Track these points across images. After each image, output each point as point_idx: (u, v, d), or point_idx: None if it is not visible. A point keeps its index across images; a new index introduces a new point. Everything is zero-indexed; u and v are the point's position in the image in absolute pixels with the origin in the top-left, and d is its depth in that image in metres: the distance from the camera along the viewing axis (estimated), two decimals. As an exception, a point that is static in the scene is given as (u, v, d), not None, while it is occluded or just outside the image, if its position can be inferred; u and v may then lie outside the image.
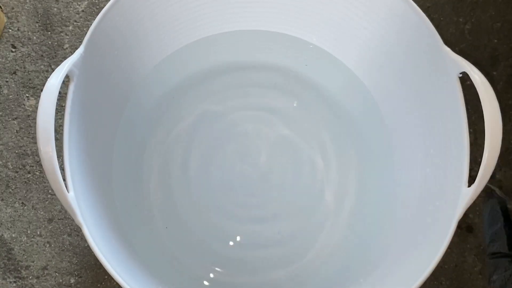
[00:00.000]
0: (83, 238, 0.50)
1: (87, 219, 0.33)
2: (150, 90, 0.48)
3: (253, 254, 0.47)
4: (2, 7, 0.54)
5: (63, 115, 0.34)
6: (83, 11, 0.55)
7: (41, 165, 0.51)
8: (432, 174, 0.39)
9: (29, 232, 0.50)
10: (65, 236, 0.50)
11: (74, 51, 0.35)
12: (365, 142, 0.49)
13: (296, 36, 0.48)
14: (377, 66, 0.44)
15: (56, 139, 0.30)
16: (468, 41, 0.54)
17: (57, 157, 0.30)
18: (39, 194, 0.51)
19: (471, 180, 0.32)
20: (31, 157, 0.51)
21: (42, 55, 0.54)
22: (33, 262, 0.49)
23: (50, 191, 0.51)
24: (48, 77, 0.34)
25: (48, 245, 0.50)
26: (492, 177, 0.51)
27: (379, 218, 0.44)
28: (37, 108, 0.52)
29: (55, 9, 0.55)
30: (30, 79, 0.53)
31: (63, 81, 0.32)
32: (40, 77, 0.53)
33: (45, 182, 0.51)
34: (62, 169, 0.32)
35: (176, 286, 0.43)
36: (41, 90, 0.45)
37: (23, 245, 0.50)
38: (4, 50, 0.54)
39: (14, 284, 0.49)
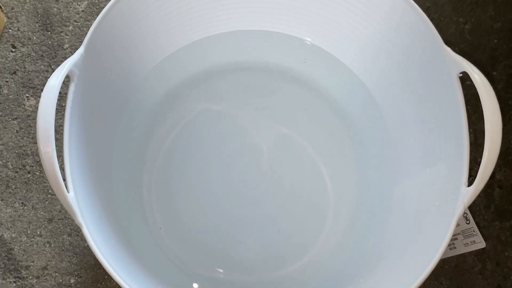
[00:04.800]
0: (83, 238, 0.50)
1: (87, 219, 0.33)
2: (150, 90, 0.48)
3: (253, 254, 0.48)
4: (2, 7, 0.54)
5: (63, 115, 0.34)
6: (83, 11, 0.55)
7: (41, 165, 0.51)
8: (432, 174, 0.39)
9: (29, 232, 0.50)
10: (65, 236, 0.50)
11: (74, 51, 0.35)
12: (365, 141, 0.49)
13: (295, 36, 0.48)
14: (377, 65, 0.44)
15: (56, 139, 0.30)
16: (468, 41, 0.54)
17: (57, 157, 0.30)
18: (39, 194, 0.51)
19: (471, 180, 0.32)
20: (31, 157, 0.51)
21: (42, 55, 0.54)
22: (33, 262, 0.49)
23: (50, 191, 0.51)
24: (48, 77, 0.34)
25: (48, 245, 0.50)
26: (492, 177, 0.51)
27: (378, 217, 0.45)
28: (37, 108, 0.52)
29: (55, 9, 0.55)
30: (30, 79, 0.53)
31: (63, 81, 0.32)
32: (40, 77, 0.53)
33: (45, 182, 0.51)
34: (62, 169, 0.32)
35: (176, 286, 0.43)
36: (41, 90, 0.45)
37: (23, 245, 0.50)
38: (4, 50, 0.54)
39: (14, 284, 0.49)
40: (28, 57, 0.54)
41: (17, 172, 0.51)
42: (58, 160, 0.30)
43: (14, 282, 0.49)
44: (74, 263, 0.50)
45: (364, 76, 0.47)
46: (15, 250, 0.50)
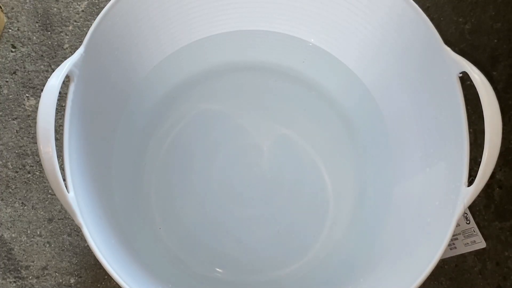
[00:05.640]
0: (83, 238, 0.50)
1: (87, 219, 0.33)
2: (150, 90, 0.48)
3: (253, 254, 0.48)
4: (2, 7, 0.54)
5: (63, 115, 0.34)
6: (83, 11, 0.55)
7: (41, 165, 0.51)
8: (432, 174, 0.39)
9: (29, 232, 0.50)
10: (65, 236, 0.50)
11: (74, 51, 0.35)
12: (365, 141, 0.49)
13: (295, 36, 0.48)
14: (377, 66, 0.44)
15: (56, 139, 0.30)
16: (468, 41, 0.54)
17: (57, 157, 0.30)
18: (39, 194, 0.51)
19: (471, 180, 0.32)
20: (31, 157, 0.51)
21: (42, 55, 0.54)
22: (33, 262, 0.49)
23: (50, 191, 0.51)
24: (48, 77, 0.34)
25: (48, 245, 0.50)
26: (492, 177, 0.51)
27: (378, 217, 0.44)
28: (37, 108, 0.52)
29: (55, 9, 0.55)
30: (30, 79, 0.53)
31: (63, 81, 0.32)
32: (40, 77, 0.53)
33: (45, 182, 0.51)
34: (62, 169, 0.32)
35: (176, 286, 0.43)
36: (41, 90, 0.45)
37: (23, 245, 0.50)
38: (4, 50, 0.54)
39: (14, 284, 0.49)
40: (28, 57, 0.54)
41: (17, 172, 0.51)
42: (58, 160, 0.30)
43: (14, 282, 0.49)
44: (74, 263, 0.50)
45: (364, 76, 0.47)
46: (15, 250, 0.50)
